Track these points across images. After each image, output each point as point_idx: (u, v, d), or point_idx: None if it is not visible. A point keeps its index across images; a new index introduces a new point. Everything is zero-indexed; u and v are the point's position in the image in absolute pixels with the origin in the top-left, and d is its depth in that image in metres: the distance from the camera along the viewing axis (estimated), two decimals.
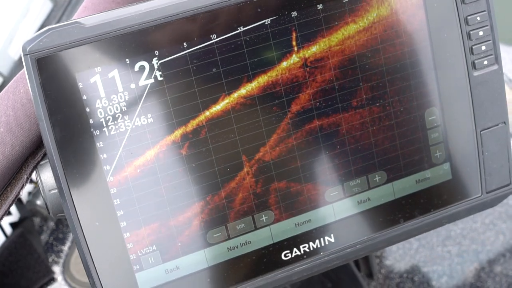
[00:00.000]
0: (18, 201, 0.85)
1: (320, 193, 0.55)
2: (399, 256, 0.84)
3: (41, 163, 0.54)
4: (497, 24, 0.56)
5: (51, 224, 0.90)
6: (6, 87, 0.53)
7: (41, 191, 0.53)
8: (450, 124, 0.57)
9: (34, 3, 0.93)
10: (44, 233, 0.90)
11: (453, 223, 0.87)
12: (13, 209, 0.84)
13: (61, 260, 0.88)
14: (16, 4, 0.91)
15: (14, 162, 0.52)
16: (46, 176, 0.52)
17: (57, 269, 0.87)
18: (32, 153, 0.54)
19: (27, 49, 0.47)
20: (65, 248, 0.89)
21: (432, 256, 0.87)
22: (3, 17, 0.89)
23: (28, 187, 0.86)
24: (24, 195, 0.85)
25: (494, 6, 0.56)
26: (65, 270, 0.87)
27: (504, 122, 0.58)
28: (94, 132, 0.49)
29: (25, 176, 0.53)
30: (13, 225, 0.84)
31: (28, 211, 0.86)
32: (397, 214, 0.58)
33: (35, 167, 0.54)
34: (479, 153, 0.58)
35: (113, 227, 0.51)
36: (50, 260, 0.87)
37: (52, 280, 0.86)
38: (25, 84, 0.52)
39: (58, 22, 0.89)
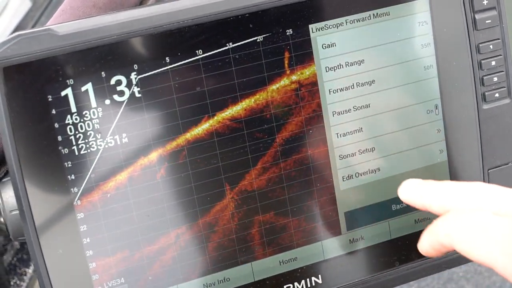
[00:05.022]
0: None
1: (308, 229, 0.55)
2: None
3: (3, 180, 0.53)
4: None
5: (16, 243, 0.90)
6: None
7: (1, 210, 0.52)
8: (455, 160, 0.57)
9: (13, 1, 0.93)
10: (8, 253, 0.89)
11: None
12: None
13: (24, 284, 0.87)
14: None
15: None
16: (7, 195, 0.52)
17: None
18: None
19: None
20: (30, 271, 0.88)
21: None
22: None
23: None
24: None
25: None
26: None
27: None
28: (62, 150, 0.49)
29: None
30: None
31: None
32: (392, 256, 0.57)
33: None
34: None
35: (78, 256, 0.50)
36: (12, 283, 0.87)
37: None
38: None
39: (35, 23, 0.88)
